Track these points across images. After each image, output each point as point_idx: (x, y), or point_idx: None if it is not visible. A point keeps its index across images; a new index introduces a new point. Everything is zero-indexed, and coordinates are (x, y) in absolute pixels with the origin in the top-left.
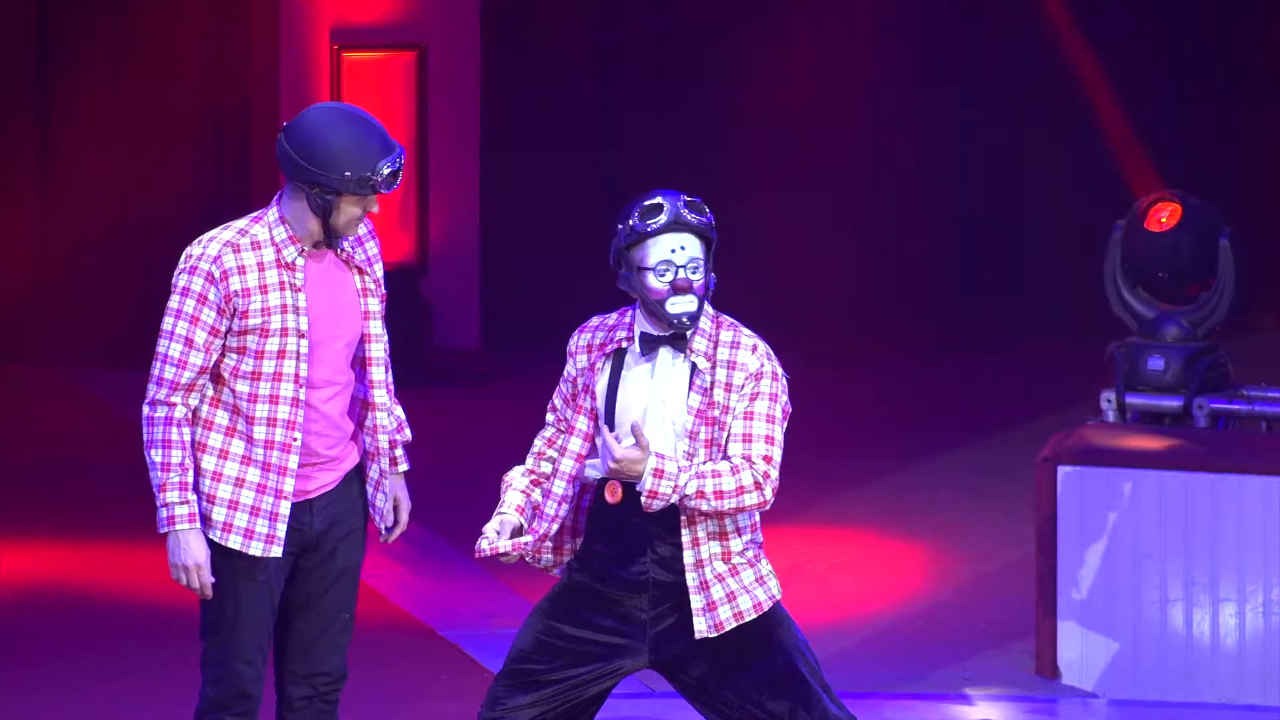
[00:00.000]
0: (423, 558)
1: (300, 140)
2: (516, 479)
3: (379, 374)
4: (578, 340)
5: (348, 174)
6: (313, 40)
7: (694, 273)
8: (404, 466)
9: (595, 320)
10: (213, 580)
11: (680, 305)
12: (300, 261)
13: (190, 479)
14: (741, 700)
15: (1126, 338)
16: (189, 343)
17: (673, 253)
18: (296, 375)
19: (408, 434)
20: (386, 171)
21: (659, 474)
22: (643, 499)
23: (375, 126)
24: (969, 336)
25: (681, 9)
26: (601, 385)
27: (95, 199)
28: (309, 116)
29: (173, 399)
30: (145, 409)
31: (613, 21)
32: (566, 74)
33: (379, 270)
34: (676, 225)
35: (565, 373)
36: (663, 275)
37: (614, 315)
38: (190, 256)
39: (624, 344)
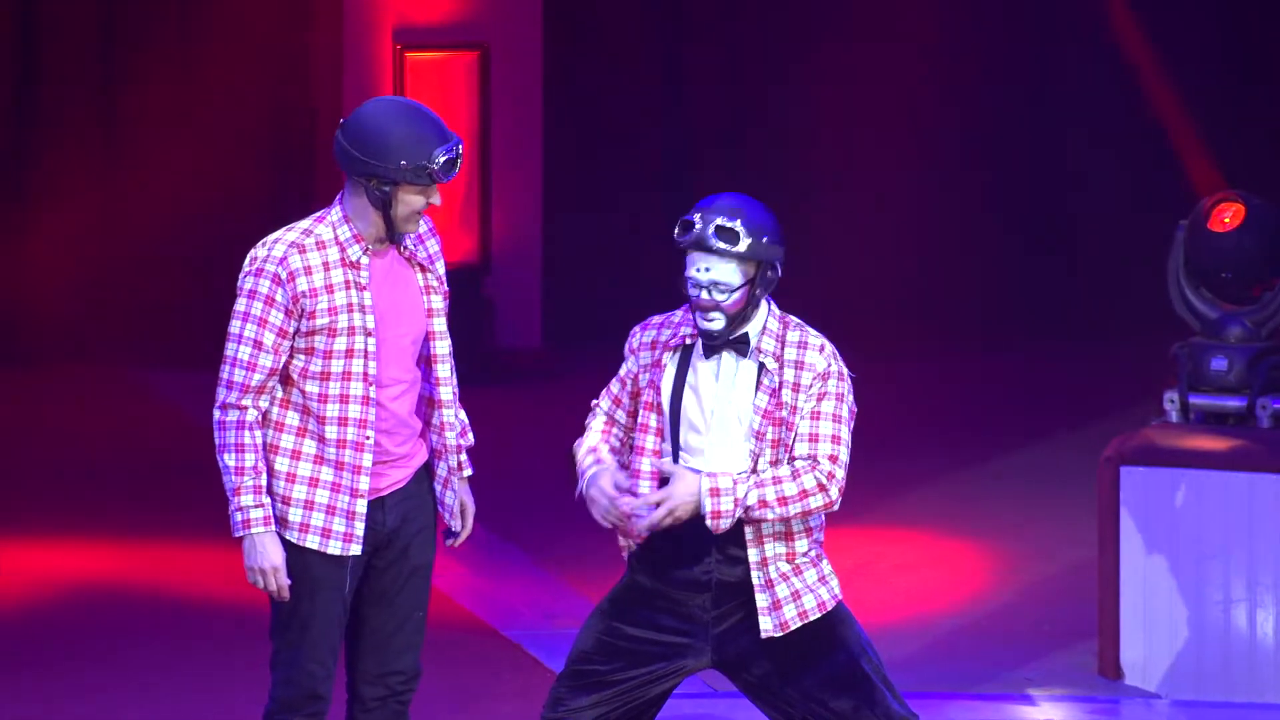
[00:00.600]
0: (485, 557)
1: (356, 133)
2: (597, 439)
3: (445, 371)
4: (641, 337)
5: (404, 163)
6: (375, 40)
7: (719, 293)
8: (468, 472)
9: (658, 318)
10: (289, 582)
11: (707, 322)
12: (365, 260)
13: (264, 482)
14: (805, 699)
15: (1189, 338)
16: (258, 345)
17: (697, 272)
18: (365, 374)
19: (470, 438)
20: (443, 160)
21: (715, 493)
22: (708, 523)
23: (431, 117)
24: (1026, 336)
25: (746, 8)
26: (667, 381)
27: (159, 199)
28: (365, 110)
29: (243, 402)
30: (216, 413)
31: (675, 20)
32: (628, 73)
33: (440, 268)
34: (699, 247)
35: (623, 370)
36: (691, 289)
37: (678, 312)
38: (255, 259)
39: (688, 340)
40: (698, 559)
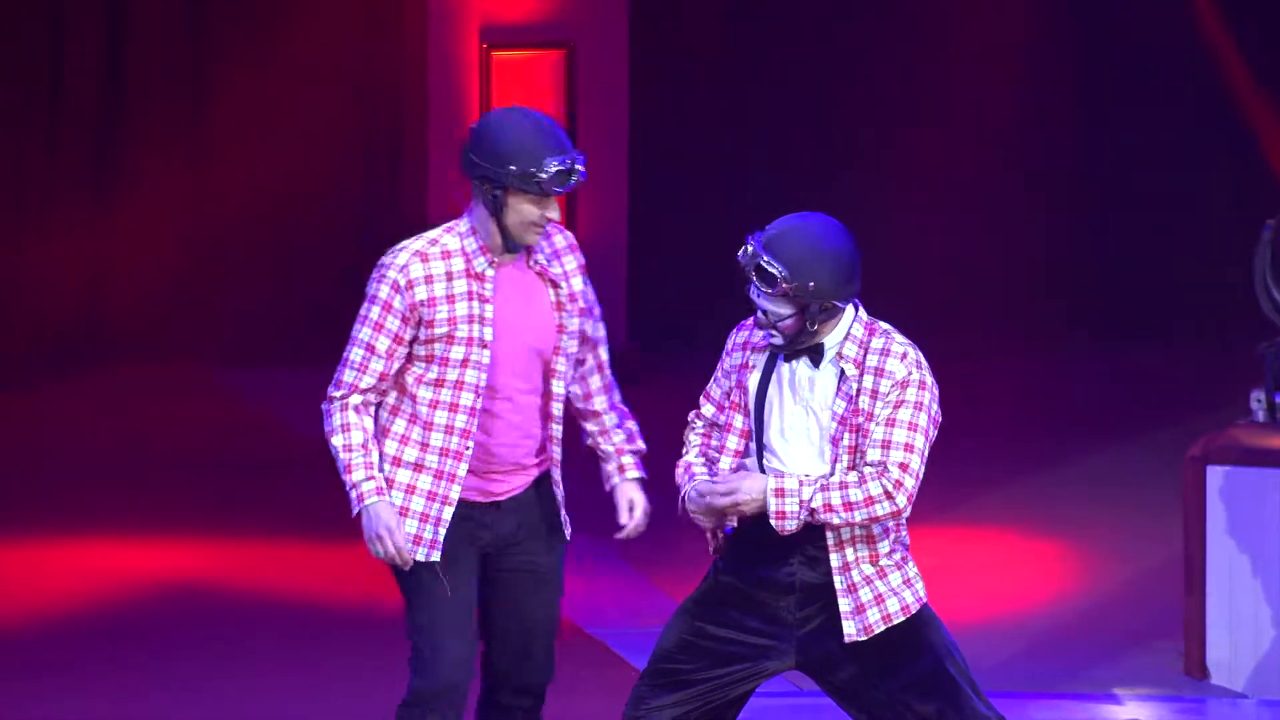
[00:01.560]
0: (570, 556)
1: (476, 135)
2: (694, 454)
3: (596, 383)
4: (736, 338)
5: (513, 168)
6: (462, 39)
7: (772, 317)
8: (634, 474)
9: (751, 320)
10: (407, 545)
11: (769, 337)
12: (490, 272)
13: (375, 458)
14: (890, 702)
15: (1276, 337)
16: (370, 349)
17: (753, 294)
18: (477, 384)
19: (640, 444)
20: (554, 169)
21: (780, 493)
22: (773, 523)
23: (554, 130)
24: (1113, 335)
25: (833, 8)
26: (754, 382)
27: (242, 199)
28: (490, 115)
29: (350, 398)
30: (324, 405)
31: (762, 18)
32: (715, 71)
33: (578, 283)
34: (749, 274)
35: (720, 369)
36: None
37: None
38: (381, 265)
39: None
40: (781, 561)
